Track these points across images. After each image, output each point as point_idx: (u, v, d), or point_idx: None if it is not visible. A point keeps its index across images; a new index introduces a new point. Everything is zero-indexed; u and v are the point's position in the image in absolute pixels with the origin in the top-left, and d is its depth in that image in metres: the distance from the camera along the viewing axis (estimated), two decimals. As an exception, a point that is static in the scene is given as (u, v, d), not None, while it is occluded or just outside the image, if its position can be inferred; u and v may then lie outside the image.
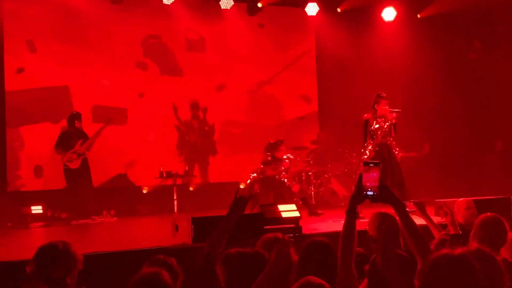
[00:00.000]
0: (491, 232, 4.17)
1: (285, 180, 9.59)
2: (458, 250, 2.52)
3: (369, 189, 3.00)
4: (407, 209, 4.32)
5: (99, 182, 10.79)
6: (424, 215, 4.99)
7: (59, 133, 10.21)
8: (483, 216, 4.36)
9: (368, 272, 3.13)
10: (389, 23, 12.71)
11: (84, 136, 10.15)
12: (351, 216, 3.04)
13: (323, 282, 2.80)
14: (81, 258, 3.72)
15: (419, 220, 4.92)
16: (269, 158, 9.70)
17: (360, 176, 3.03)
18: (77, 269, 3.69)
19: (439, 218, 5.37)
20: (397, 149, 8.94)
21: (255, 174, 9.71)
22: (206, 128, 12.37)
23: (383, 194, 3.03)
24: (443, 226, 5.26)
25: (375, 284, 3.02)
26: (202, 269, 3.39)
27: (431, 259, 2.51)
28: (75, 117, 10.19)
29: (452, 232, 4.62)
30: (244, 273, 3.22)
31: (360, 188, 3.03)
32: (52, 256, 3.61)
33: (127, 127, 11.55)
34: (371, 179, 3.00)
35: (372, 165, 3.05)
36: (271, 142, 9.84)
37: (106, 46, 11.53)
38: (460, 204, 5.59)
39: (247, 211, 7.19)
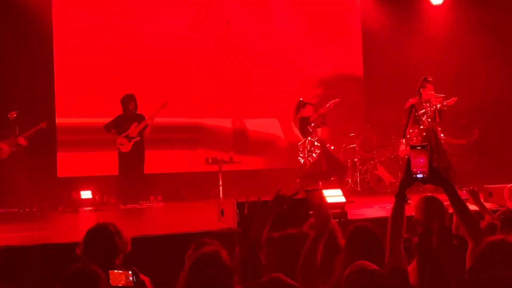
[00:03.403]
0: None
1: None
2: None
3: (419, 172, 2.99)
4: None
5: (147, 167, 10.88)
6: (478, 203, 4.90)
7: (115, 116, 10.21)
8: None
9: (420, 251, 3.11)
10: (437, 6, 12.47)
11: (140, 119, 10.09)
12: (401, 199, 3.03)
13: (376, 267, 2.80)
14: (129, 240, 3.79)
15: (472, 207, 4.85)
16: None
17: (409, 160, 3.02)
18: (125, 251, 3.76)
19: (489, 204, 5.29)
20: (442, 134, 8.75)
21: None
22: (251, 113, 12.38)
23: (433, 176, 3.01)
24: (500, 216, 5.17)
25: (427, 263, 2.99)
26: (246, 256, 3.43)
27: (486, 242, 2.47)
28: (127, 99, 10.11)
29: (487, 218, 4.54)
30: (292, 254, 3.22)
31: (409, 171, 3.02)
32: (102, 237, 3.69)
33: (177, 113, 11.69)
34: (419, 164, 2.99)
35: (420, 148, 3.03)
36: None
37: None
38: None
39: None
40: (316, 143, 9.46)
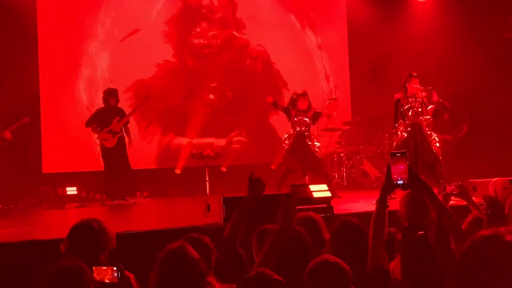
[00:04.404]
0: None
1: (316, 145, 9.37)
2: (504, 231, 2.51)
3: (399, 178, 3.08)
4: (448, 191, 4.35)
5: (133, 163, 10.78)
6: (467, 198, 4.93)
7: (95, 110, 10.15)
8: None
9: (403, 247, 3.15)
10: (422, 3, 12.55)
11: (121, 113, 9.98)
12: (382, 205, 3.12)
13: (339, 261, 2.85)
14: (114, 236, 3.78)
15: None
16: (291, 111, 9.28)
17: (389, 167, 3.11)
18: (110, 247, 3.75)
19: (474, 198, 5.31)
20: (427, 129, 8.72)
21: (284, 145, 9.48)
22: (238, 109, 12.36)
23: (413, 182, 3.10)
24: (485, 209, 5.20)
25: (410, 258, 3.03)
26: (225, 251, 3.47)
27: (475, 237, 2.50)
28: (108, 93, 9.97)
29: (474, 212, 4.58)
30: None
31: (389, 178, 3.11)
32: (86, 233, 3.67)
33: (159, 106, 11.63)
34: (400, 171, 3.08)
35: (399, 155, 3.11)
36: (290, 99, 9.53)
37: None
38: (497, 183, 5.51)
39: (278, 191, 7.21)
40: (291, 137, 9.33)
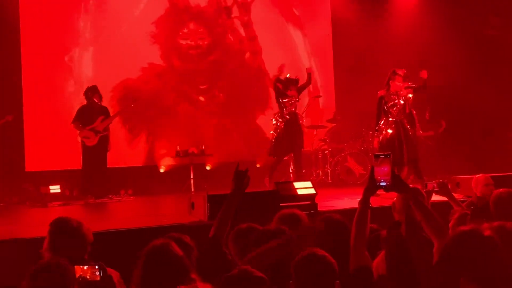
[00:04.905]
0: (506, 207, 4.17)
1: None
2: (484, 227, 2.55)
3: (382, 180, 3.09)
4: (430, 189, 4.39)
5: (117, 161, 10.76)
6: (448, 195, 4.98)
7: (79, 107, 10.02)
8: (497, 192, 4.36)
9: (388, 243, 3.17)
10: (404, 1, 12.62)
11: (106, 113, 9.89)
12: (364, 206, 3.14)
13: (326, 254, 2.86)
14: (90, 232, 3.77)
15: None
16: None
17: (372, 168, 3.13)
18: (88, 243, 3.73)
19: (457, 195, 5.37)
20: (408, 126, 8.73)
21: (274, 121, 9.61)
22: (223, 107, 12.34)
23: (396, 184, 3.12)
24: (468, 206, 5.26)
25: (395, 254, 3.06)
26: (210, 251, 3.47)
27: (455, 232, 2.54)
28: (91, 90, 9.85)
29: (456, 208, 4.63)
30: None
31: (372, 179, 3.12)
32: (67, 232, 3.65)
33: (147, 109, 11.60)
34: (383, 173, 3.09)
35: (383, 157, 3.12)
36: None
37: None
38: (479, 180, 5.56)
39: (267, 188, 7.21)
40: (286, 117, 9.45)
